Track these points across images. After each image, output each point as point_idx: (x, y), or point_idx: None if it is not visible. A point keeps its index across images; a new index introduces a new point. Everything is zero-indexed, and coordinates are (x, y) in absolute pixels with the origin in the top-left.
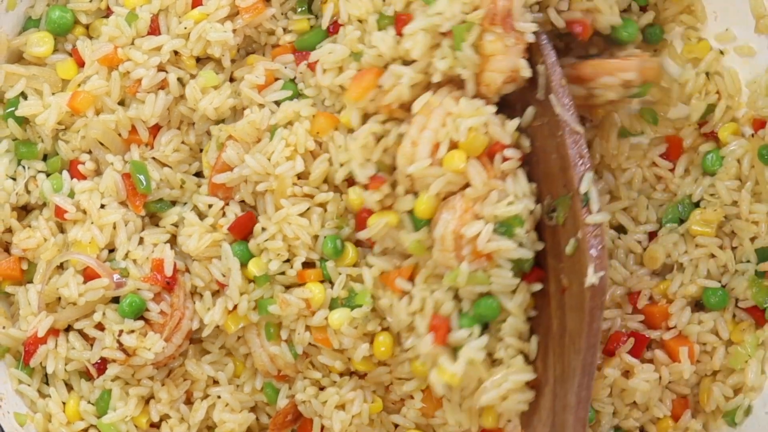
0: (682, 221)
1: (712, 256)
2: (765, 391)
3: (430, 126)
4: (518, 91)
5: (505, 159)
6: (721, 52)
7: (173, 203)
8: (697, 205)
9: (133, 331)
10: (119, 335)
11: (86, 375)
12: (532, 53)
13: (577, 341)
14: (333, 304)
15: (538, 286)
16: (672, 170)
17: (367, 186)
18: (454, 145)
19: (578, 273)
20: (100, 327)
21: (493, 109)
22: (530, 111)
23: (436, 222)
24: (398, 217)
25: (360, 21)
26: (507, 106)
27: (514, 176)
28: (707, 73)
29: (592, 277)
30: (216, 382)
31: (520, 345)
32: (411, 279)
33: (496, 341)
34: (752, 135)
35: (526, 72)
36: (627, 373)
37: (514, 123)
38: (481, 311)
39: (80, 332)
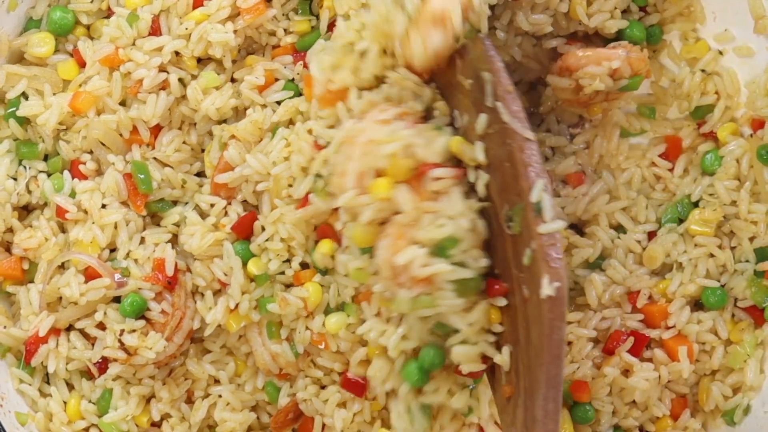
0: (681, 221)
1: (711, 255)
2: (764, 390)
3: (354, 156)
4: (472, 98)
5: (437, 179)
6: (720, 53)
7: (174, 203)
8: (696, 204)
9: (134, 331)
10: (120, 335)
11: (87, 374)
12: (478, 60)
13: (540, 354)
14: (328, 309)
15: (502, 301)
16: (671, 170)
17: None
18: (380, 173)
19: (536, 284)
20: (101, 326)
21: (411, 131)
22: (482, 118)
23: (376, 250)
24: (331, 244)
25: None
26: (464, 110)
27: (448, 195)
28: (703, 70)
29: (546, 288)
30: (217, 381)
31: (474, 366)
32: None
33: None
34: (751, 135)
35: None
36: (626, 372)
37: (443, 140)
38: (423, 362)
39: (81, 332)
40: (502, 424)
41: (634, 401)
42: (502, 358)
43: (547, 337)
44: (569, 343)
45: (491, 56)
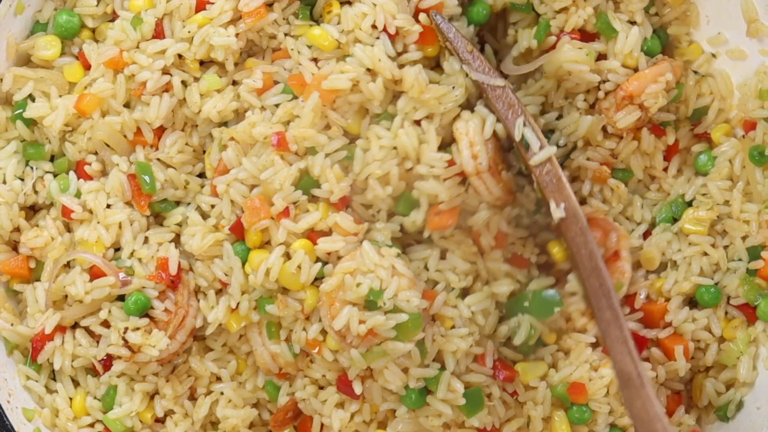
0: (675, 220)
1: (705, 254)
2: (756, 386)
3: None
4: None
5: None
6: (713, 56)
7: (177, 203)
8: (689, 204)
9: (138, 329)
10: (124, 332)
11: (92, 371)
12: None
13: (580, 272)
14: None
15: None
16: (665, 170)
17: None
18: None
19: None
20: (105, 324)
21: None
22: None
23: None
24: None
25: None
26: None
27: (359, 251)
28: (696, 72)
29: (556, 212)
30: (219, 379)
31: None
32: None
33: None
34: (743, 136)
35: None
36: None
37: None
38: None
39: (86, 329)
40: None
41: None
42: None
43: (577, 254)
44: (567, 352)
45: (443, 27)
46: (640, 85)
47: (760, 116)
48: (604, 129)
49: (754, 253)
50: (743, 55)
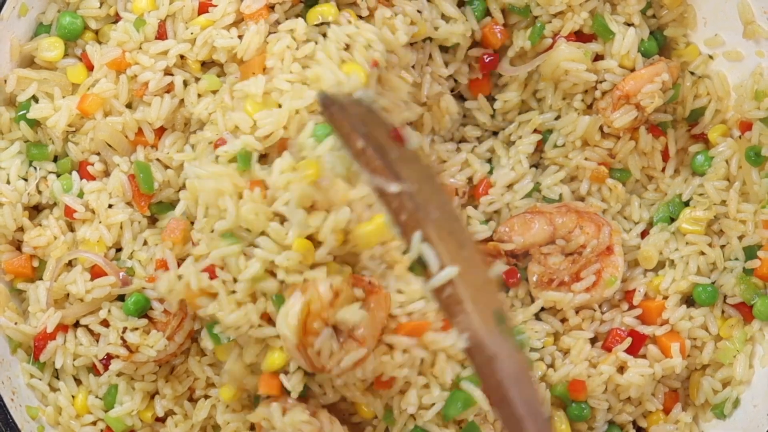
0: (672, 220)
1: (702, 253)
2: (753, 384)
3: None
4: None
5: None
6: (710, 57)
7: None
8: (686, 204)
9: (136, 329)
10: (123, 332)
11: (94, 370)
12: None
13: (491, 402)
14: None
15: None
16: (663, 170)
17: None
18: None
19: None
20: (105, 324)
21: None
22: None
23: None
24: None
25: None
26: None
27: None
28: (693, 73)
29: (458, 341)
30: (212, 385)
31: None
32: None
33: None
34: (739, 137)
35: None
36: (621, 369)
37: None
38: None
39: (87, 328)
40: None
41: (629, 397)
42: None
43: (485, 384)
44: (566, 352)
45: (334, 121)
46: (636, 85)
47: (756, 117)
48: (601, 129)
49: (750, 252)
50: (740, 56)
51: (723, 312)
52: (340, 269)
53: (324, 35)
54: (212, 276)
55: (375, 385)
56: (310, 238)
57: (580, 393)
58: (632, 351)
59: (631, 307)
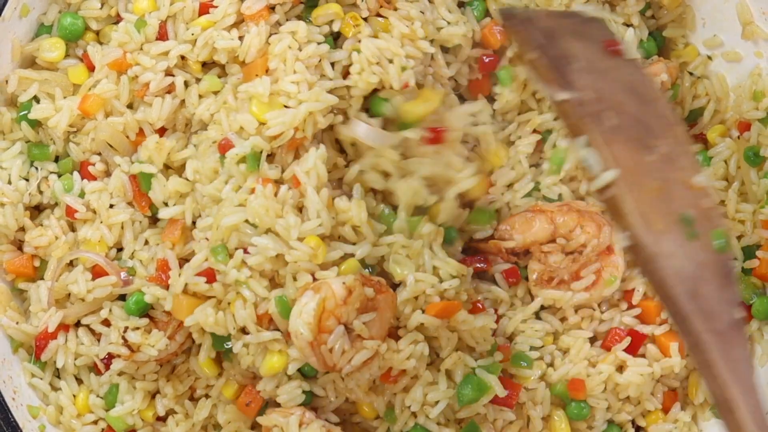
0: None
1: None
2: None
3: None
4: None
5: None
6: (709, 58)
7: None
8: None
9: (137, 329)
10: (124, 332)
11: (95, 369)
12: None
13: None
14: None
15: None
16: None
17: None
18: None
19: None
20: (106, 323)
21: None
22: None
23: None
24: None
25: None
26: None
27: None
28: (691, 73)
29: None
30: (210, 386)
31: None
32: None
33: None
34: (738, 137)
35: None
36: (620, 369)
37: None
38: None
39: (88, 328)
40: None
41: (628, 397)
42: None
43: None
44: (566, 351)
45: (513, 33)
46: None
47: (755, 117)
48: None
49: (749, 252)
50: (738, 57)
51: None
52: (351, 268)
53: (326, 36)
54: (210, 280)
55: (381, 379)
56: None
57: (579, 392)
58: (631, 350)
59: (630, 306)
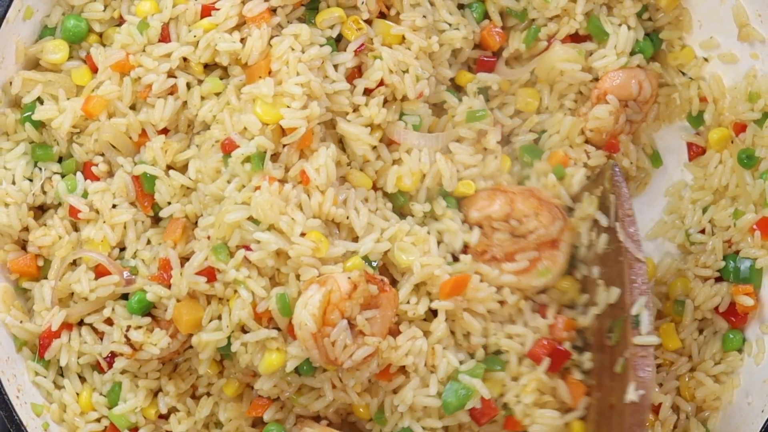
0: None
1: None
2: (746, 381)
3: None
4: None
5: None
6: (706, 59)
7: None
8: None
9: (140, 327)
10: (127, 330)
11: (98, 368)
12: (605, 181)
13: None
14: None
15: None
16: None
17: None
18: None
19: (623, 391)
20: (109, 322)
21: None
22: (604, 238)
23: None
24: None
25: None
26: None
27: None
28: (683, 73)
29: (632, 394)
30: (211, 385)
31: None
32: None
33: None
34: (732, 142)
35: None
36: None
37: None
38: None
39: (91, 326)
40: None
41: None
42: None
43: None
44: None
45: (618, 182)
46: (613, 81)
47: (750, 118)
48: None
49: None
50: (734, 58)
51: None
52: (357, 265)
53: (329, 39)
54: (210, 279)
55: (378, 376)
56: None
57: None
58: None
59: None
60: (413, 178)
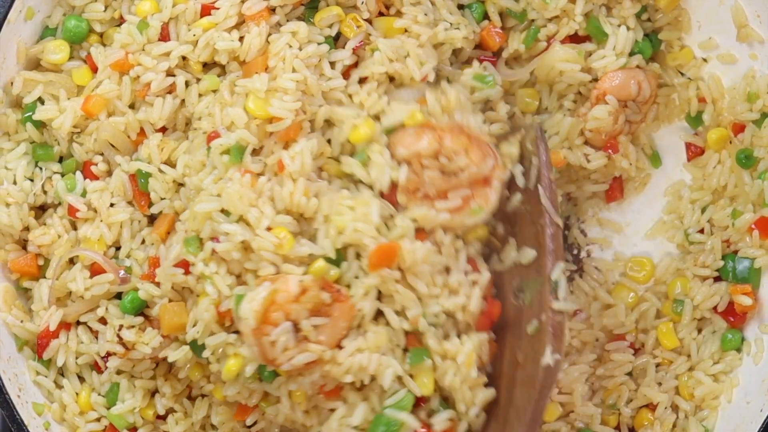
0: None
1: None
2: (745, 381)
3: None
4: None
5: None
6: (705, 60)
7: None
8: None
9: (132, 327)
10: (119, 330)
11: (96, 368)
12: (527, 142)
13: (523, 415)
14: None
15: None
16: None
17: None
18: None
19: (535, 352)
20: (103, 321)
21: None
22: (517, 197)
23: None
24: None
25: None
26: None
27: None
28: (682, 73)
29: (548, 358)
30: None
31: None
32: None
33: None
34: (730, 142)
35: None
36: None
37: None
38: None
39: (87, 326)
40: None
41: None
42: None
43: (536, 401)
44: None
45: (542, 145)
46: (612, 82)
47: (749, 119)
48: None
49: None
50: (733, 59)
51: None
52: (319, 270)
53: (327, 37)
54: (187, 272)
55: (321, 392)
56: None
57: None
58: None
59: None
60: (368, 125)
